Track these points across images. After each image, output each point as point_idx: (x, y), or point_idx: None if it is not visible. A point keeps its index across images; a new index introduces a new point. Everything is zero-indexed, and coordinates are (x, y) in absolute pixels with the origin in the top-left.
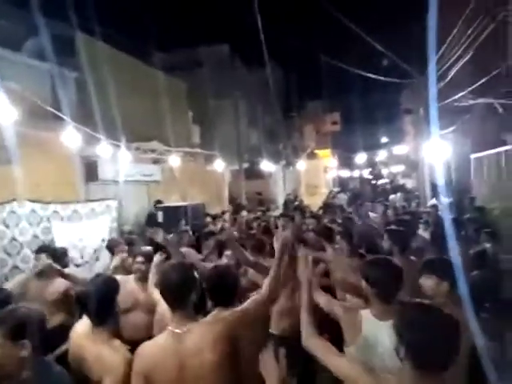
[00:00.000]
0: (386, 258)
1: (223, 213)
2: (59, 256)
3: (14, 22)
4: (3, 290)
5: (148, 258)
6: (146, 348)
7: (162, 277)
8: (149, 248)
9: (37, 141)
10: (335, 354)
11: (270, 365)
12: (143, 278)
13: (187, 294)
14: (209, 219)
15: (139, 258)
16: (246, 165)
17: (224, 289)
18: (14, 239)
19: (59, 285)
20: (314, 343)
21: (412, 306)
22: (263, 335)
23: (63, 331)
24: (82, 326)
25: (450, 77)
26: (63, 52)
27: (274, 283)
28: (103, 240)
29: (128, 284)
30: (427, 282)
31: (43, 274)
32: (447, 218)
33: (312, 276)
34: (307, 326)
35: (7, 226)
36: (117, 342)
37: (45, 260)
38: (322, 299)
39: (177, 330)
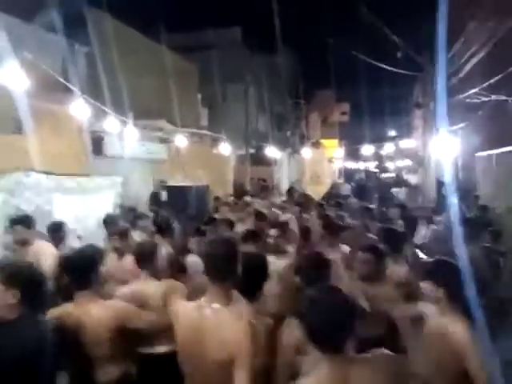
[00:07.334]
0: None
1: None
2: (55, 229)
3: None
4: None
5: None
6: (179, 307)
7: (208, 247)
8: (124, 226)
9: (46, 112)
10: None
11: None
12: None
13: (231, 267)
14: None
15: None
16: (252, 150)
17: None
18: (18, 208)
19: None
20: None
21: (313, 289)
22: None
23: None
24: (60, 309)
25: (464, 73)
26: (74, 26)
27: None
28: None
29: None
30: (425, 289)
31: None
32: (450, 215)
33: None
34: None
35: (12, 195)
36: (102, 301)
37: (20, 231)
38: None
39: (203, 303)
